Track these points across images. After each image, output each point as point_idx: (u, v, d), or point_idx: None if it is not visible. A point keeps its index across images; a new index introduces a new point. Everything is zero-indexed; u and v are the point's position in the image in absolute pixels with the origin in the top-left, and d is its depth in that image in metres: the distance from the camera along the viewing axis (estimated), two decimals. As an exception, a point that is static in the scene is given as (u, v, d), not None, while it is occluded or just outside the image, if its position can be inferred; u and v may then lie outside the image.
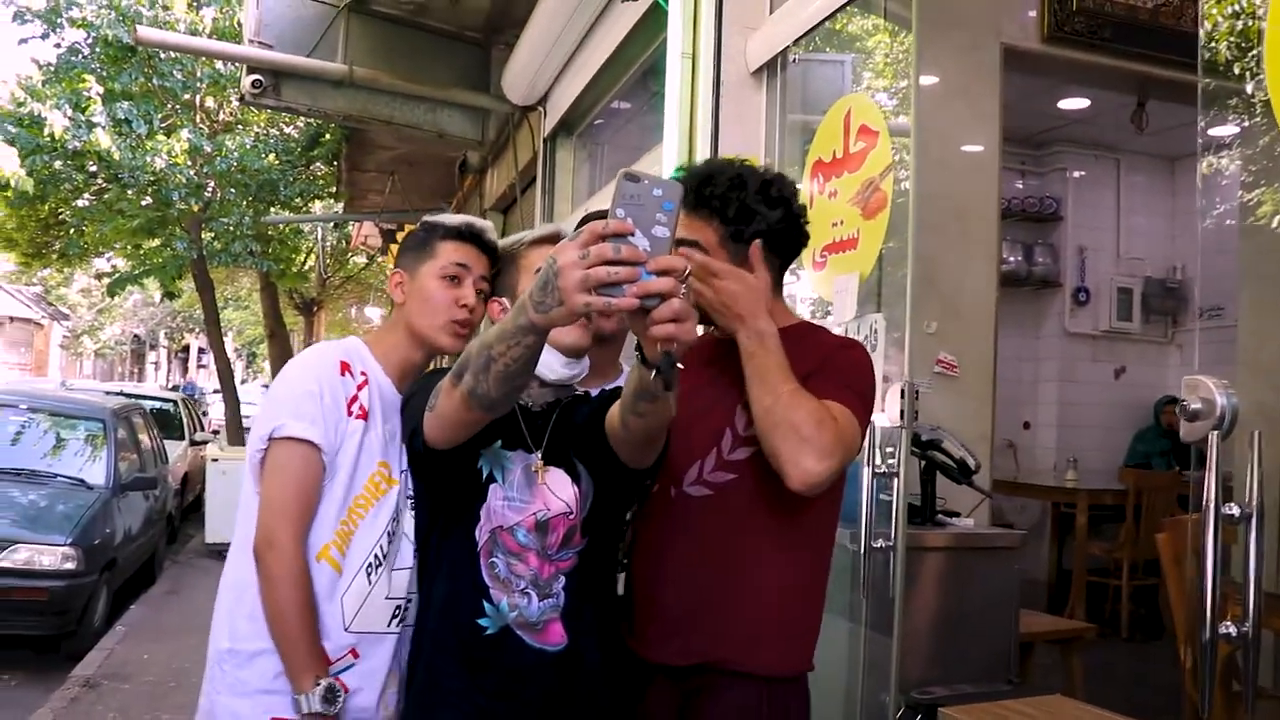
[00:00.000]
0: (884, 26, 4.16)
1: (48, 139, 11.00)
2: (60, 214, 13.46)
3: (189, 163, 11.21)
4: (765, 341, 1.97)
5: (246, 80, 6.99)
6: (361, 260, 22.22)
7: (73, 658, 6.32)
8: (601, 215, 1.46)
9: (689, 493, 2.16)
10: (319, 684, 1.92)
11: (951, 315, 4.21)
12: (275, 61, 7.14)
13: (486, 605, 2.02)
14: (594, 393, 2.16)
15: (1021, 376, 8.75)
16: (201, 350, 49.23)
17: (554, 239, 2.14)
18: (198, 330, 40.66)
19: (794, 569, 2.14)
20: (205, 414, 15.69)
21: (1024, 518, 8.13)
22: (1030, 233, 8.70)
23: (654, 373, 1.55)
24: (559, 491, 2.07)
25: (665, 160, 4.23)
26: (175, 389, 21.24)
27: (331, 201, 15.00)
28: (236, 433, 11.99)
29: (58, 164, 11.30)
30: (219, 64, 11.15)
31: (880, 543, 2.96)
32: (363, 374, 2.13)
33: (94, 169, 11.48)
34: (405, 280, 2.22)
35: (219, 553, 9.41)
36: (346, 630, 2.04)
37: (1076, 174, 8.79)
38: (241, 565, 2.04)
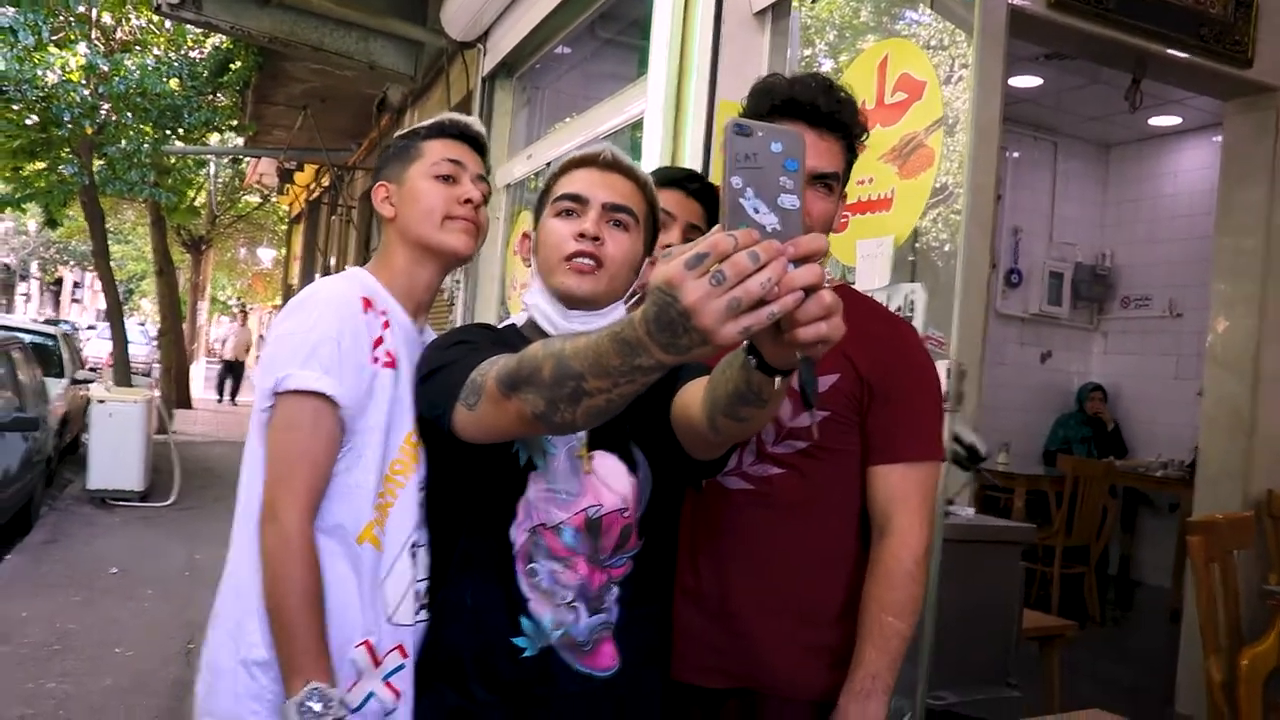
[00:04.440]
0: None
1: (-84, 42, 10.10)
2: (-71, 128, 12.44)
3: (84, 81, 10.43)
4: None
5: (167, -11, 6.42)
6: (255, 199, 21.37)
7: (-61, 614, 5.73)
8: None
9: (725, 485, 1.89)
10: (307, 687, 1.55)
11: (943, 290, 3.97)
12: (198, -30, 6.53)
13: (524, 621, 1.66)
14: None
15: (949, 356, 8.66)
16: (76, 284, 47.40)
17: (591, 160, 1.75)
18: (72, 263, 39.05)
19: (845, 582, 1.89)
20: (80, 351, 14.85)
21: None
22: (967, 210, 8.58)
23: (776, 379, 1.19)
24: (613, 483, 1.71)
25: (650, 107, 3.89)
26: (52, 322, 20.18)
27: (232, 135, 14.26)
28: (124, 372, 11.31)
29: (-72, 72, 10.34)
30: (120, -24, 10.42)
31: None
32: (384, 312, 1.77)
33: (-26, 81, 10.62)
34: (392, 191, 1.88)
35: (101, 499, 8.92)
36: (389, 622, 1.70)
37: (1014, 154, 8.71)
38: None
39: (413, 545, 1.74)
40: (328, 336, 1.66)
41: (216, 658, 1.71)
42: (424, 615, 1.77)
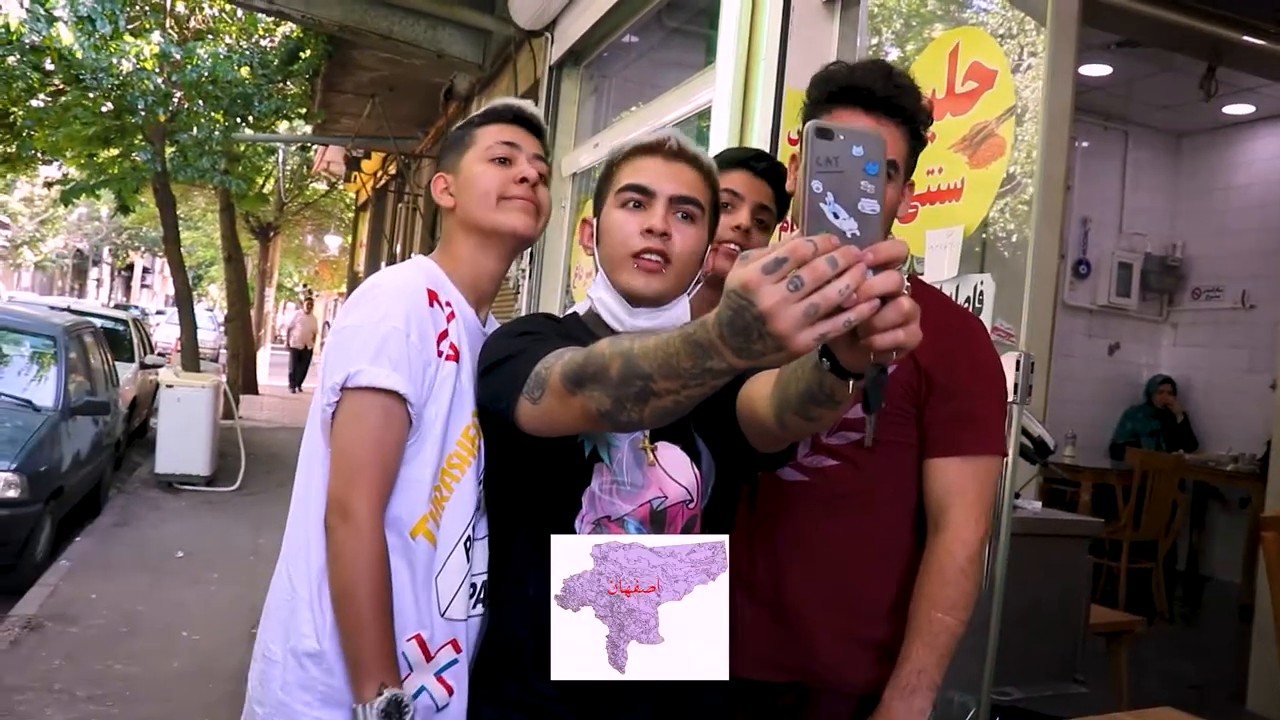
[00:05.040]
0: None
1: (2, 30, 10.28)
2: (10, 115, 12.61)
3: (157, 69, 10.59)
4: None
5: (239, -23, 6.51)
6: (321, 187, 21.59)
7: (13, 593, 5.84)
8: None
9: (780, 476, 1.87)
10: (383, 693, 1.55)
11: (1012, 281, 3.93)
12: (270, -40, 6.61)
13: None
14: None
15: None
16: (146, 270, 48.23)
17: (658, 147, 1.72)
18: (143, 249, 39.73)
19: (898, 576, 1.87)
20: (149, 336, 15.11)
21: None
22: (1035, 200, 8.47)
23: (850, 382, 1.17)
24: (677, 474, 1.70)
25: (718, 96, 3.88)
26: (122, 307, 20.55)
27: (301, 123, 14.41)
28: (192, 358, 11.49)
29: (11, 59, 10.54)
30: (194, -34, 10.55)
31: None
32: (448, 304, 1.75)
33: (51, 67, 10.80)
34: (450, 181, 1.86)
35: (169, 483, 9.10)
36: (443, 617, 1.69)
37: (1084, 144, 8.57)
38: (319, 547, 1.66)
39: (467, 539, 1.73)
40: (396, 330, 1.64)
41: (268, 647, 1.72)
42: (480, 609, 1.77)
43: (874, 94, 1.76)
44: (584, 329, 1.76)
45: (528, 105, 1.90)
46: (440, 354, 1.70)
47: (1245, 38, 4.51)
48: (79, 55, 10.24)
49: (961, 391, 1.83)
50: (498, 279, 1.90)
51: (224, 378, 12.05)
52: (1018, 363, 2.58)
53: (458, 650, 1.71)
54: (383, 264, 16.71)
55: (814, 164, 1.04)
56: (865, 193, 1.05)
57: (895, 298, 1.03)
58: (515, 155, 1.82)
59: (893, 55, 4.01)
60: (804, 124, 1.78)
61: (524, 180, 1.81)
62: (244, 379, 16.86)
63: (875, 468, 1.85)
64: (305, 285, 33.04)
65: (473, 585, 1.75)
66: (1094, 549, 6.62)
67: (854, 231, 1.04)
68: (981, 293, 2.70)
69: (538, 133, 1.89)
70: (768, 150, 3.59)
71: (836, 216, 1.04)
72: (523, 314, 6.62)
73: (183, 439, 9.10)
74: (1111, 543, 6.71)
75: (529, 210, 1.82)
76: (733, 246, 2.00)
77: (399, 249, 14.86)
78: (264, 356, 21.78)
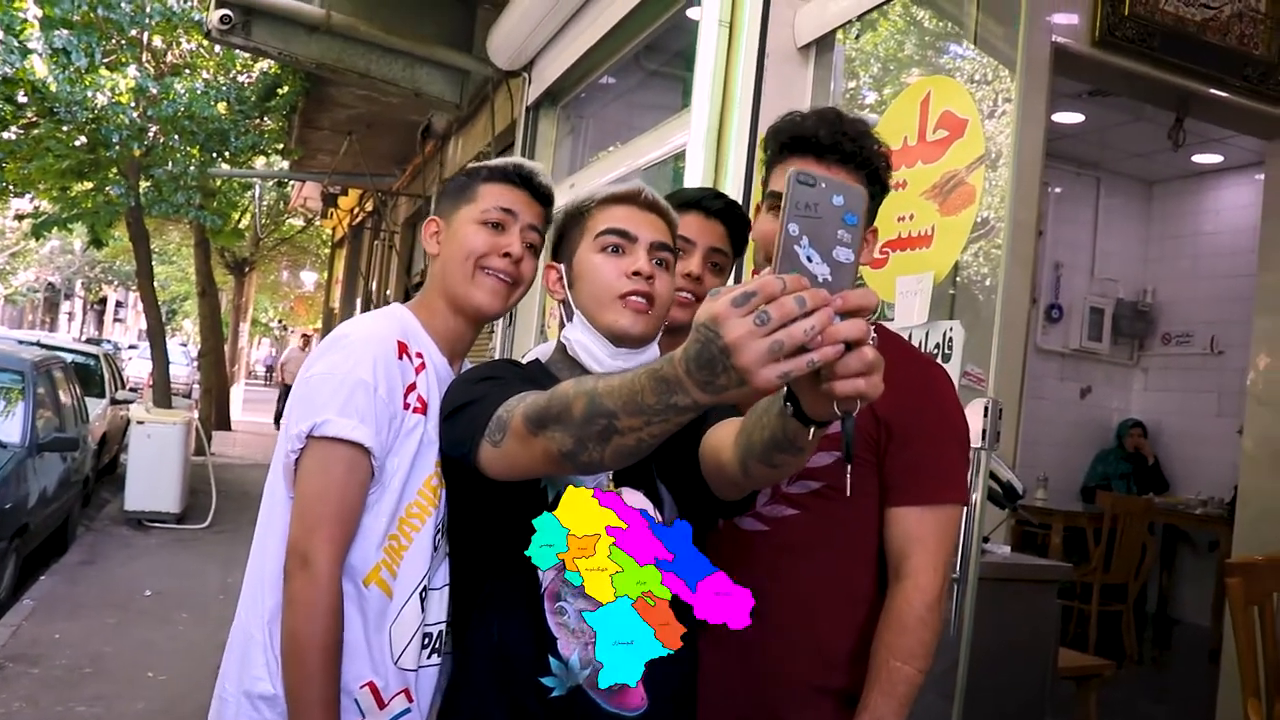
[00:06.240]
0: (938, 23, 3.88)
1: (-28, 61, 10.22)
2: (-19, 146, 12.56)
3: (133, 103, 10.57)
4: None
5: (215, 15, 6.48)
6: (298, 223, 21.56)
7: (-25, 633, 5.75)
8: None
9: (739, 525, 1.87)
10: None
11: (982, 325, 3.96)
12: (248, -3, 6.63)
13: (553, 661, 1.64)
14: None
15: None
16: (119, 303, 47.93)
17: (633, 197, 1.74)
18: (116, 282, 39.51)
19: (859, 625, 1.85)
20: (121, 371, 15.01)
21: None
22: (1009, 245, 8.56)
23: (812, 429, 1.19)
24: None
25: (692, 140, 3.91)
26: (94, 342, 20.41)
27: (278, 158, 14.39)
28: (164, 394, 11.40)
29: (-16, 91, 10.47)
30: (171, 0, 10.50)
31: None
32: (419, 355, 1.75)
33: (24, 100, 10.73)
34: (441, 228, 1.85)
35: (138, 521, 8.98)
36: (395, 665, 1.68)
37: (1057, 189, 8.68)
38: (277, 590, 1.66)
39: (423, 589, 1.72)
40: (363, 382, 1.65)
41: (223, 687, 1.72)
42: (434, 660, 1.76)
43: (821, 142, 1.78)
44: (546, 374, 1.76)
45: (538, 170, 1.89)
46: (407, 406, 1.71)
47: (1212, 90, 4.58)
48: (53, 88, 10.17)
49: (921, 440, 1.83)
50: (468, 342, 1.90)
51: (196, 414, 11.95)
52: (986, 409, 2.60)
53: (410, 700, 1.71)
54: (358, 300, 16.70)
55: (793, 208, 1.07)
56: (841, 241, 1.08)
57: (860, 346, 1.05)
58: (509, 223, 1.81)
59: (870, 99, 4.05)
60: (765, 176, 1.80)
61: (508, 255, 1.79)
62: (217, 415, 16.75)
63: (835, 517, 1.84)
64: (280, 321, 32.92)
65: (426, 635, 1.74)
66: (1065, 592, 6.65)
67: (826, 277, 1.06)
68: (951, 339, 2.72)
69: (543, 199, 1.87)
70: (743, 193, 3.62)
71: (810, 260, 1.06)
72: (497, 352, 6.64)
73: (153, 476, 9.00)
74: (1082, 585, 6.72)
75: (500, 290, 1.81)
76: (685, 295, 1.99)
77: (375, 285, 14.84)
78: (238, 392, 21.65)
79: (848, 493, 1.60)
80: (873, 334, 1.07)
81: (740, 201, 3.56)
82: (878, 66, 3.90)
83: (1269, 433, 4.97)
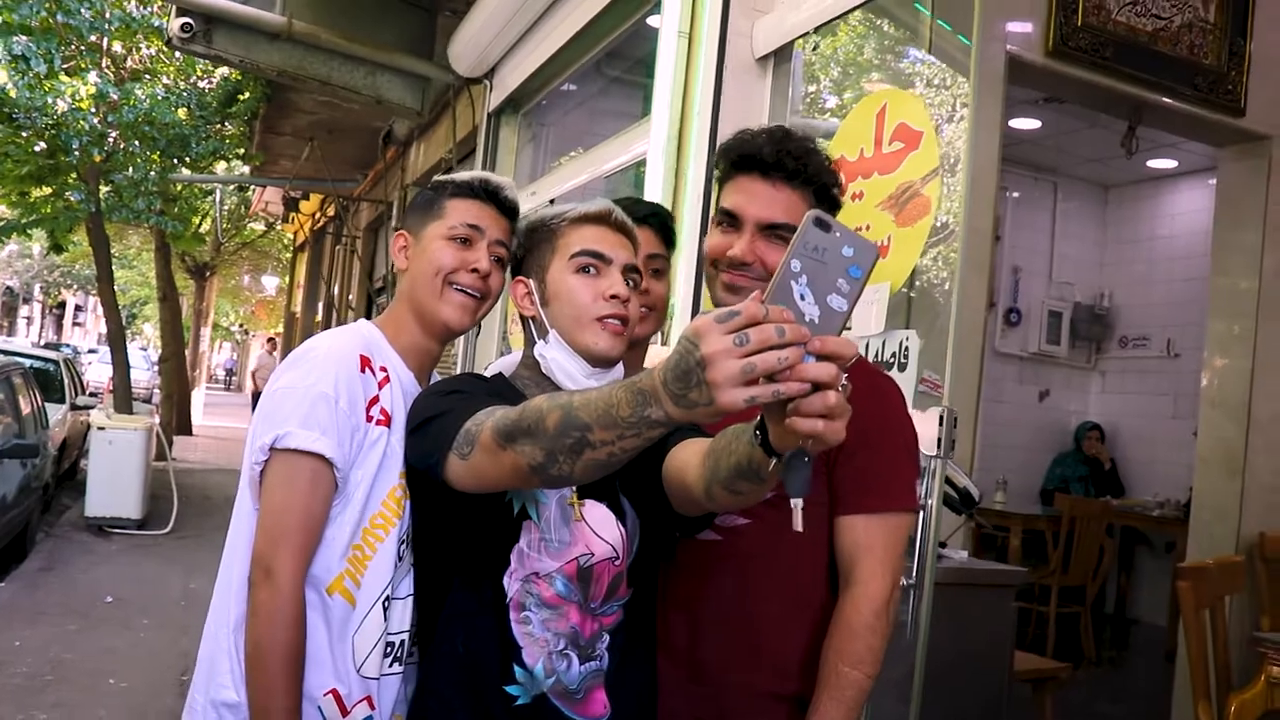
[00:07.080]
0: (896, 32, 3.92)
1: (-70, 68, 10.12)
2: (-63, 153, 12.41)
3: (94, 109, 10.48)
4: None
5: (176, 23, 6.46)
6: (259, 228, 21.43)
7: (-67, 641, 5.70)
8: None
9: (696, 536, 1.87)
10: None
11: (939, 332, 4.01)
12: (208, 5, 6.60)
13: (518, 670, 1.67)
14: None
15: (947, 393, 8.69)
16: (79, 307, 47.41)
17: (604, 217, 1.78)
18: (75, 286, 39.07)
19: (811, 632, 1.87)
20: (81, 376, 14.86)
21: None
22: (967, 249, 8.64)
23: (774, 462, 1.22)
24: (603, 532, 1.73)
25: (652, 148, 3.94)
26: (53, 346, 20.19)
27: (239, 163, 14.31)
28: (125, 399, 11.31)
29: (-60, 97, 10.35)
30: (131, 6, 10.43)
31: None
32: (383, 369, 1.78)
33: (-17, 106, 10.65)
34: (410, 243, 1.88)
35: (99, 527, 8.90)
36: (358, 673, 1.71)
37: (1015, 194, 8.76)
38: (242, 600, 1.69)
39: (387, 599, 1.75)
40: (325, 395, 1.68)
41: (193, 696, 1.76)
42: (396, 669, 1.79)
43: (765, 160, 1.81)
44: (511, 388, 1.79)
45: (505, 185, 1.90)
46: (370, 419, 1.73)
47: (1164, 99, 4.65)
48: (13, 94, 10.10)
49: (868, 450, 1.83)
50: (435, 357, 1.93)
51: (157, 419, 11.85)
52: (941, 417, 2.64)
53: (372, 707, 1.73)
54: (319, 305, 16.61)
55: (801, 246, 1.09)
56: (839, 290, 1.10)
57: (826, 389, 1.07)
58: (476, 239, 1.84)
59: (830, 103, 4.09)
60: (718, 194, 1.82)
61: (476, 270, 1.82)
62: (178, 420, 16.61)
63: (787, 526, 1.86)
64: (242, 325, 32.67)
65: (389, 644, 1.77)
66: (1023, 594, 6.72)
67: (814, 318, 1.09)
68: (907, 348, 2.76)
69: (509, 213, 1.89)
70: (702, 202, 3.65)
71: (803, 299, 1.09)
72: (460, 360, 6.64)
73: (114, 481, 8.93)
74: (1041, 588, 6.80)
75: (469, 306, 1.84)
76: (642, 310, 2.03)
77: (336, 290, 14.78)
78: (199, 397, 21.49)
79: (796, 526, 1.57)
80: (845, 382, 1.09)
81: (700, 208, 3.61)
82: (837, 71, 3.95)
83: (1222, 435, 5.04)
